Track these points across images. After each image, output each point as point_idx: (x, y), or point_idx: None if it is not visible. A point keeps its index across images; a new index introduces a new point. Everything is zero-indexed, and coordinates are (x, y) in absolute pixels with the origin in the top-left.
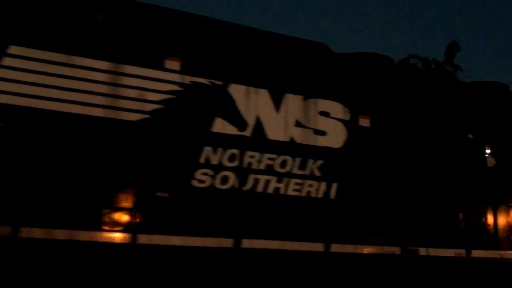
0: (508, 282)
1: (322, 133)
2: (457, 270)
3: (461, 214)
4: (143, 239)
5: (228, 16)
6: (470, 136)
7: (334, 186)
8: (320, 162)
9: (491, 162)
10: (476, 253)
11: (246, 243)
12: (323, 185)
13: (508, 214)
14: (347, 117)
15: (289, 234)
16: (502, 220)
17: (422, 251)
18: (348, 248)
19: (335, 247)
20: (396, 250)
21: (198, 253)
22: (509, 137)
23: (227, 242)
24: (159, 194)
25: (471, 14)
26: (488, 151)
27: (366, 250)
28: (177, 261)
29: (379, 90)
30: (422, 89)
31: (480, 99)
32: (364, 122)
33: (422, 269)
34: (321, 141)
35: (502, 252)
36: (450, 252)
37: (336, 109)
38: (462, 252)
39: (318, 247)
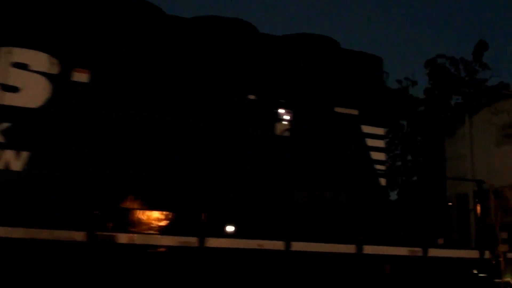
0: None
1: (13, 89)
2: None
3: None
4: None
5: (236, 12)
6: (252, 97)
7: (25, 154)
8: (5, 124)
9: (281, 130)
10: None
11: None
12: (7, 153)
13: None
14: (54, 70)
15: None
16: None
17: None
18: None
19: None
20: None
21: None
22: (331, 104)
23: None
24: None
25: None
26: (287, 117)
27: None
28: None
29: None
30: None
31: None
32: (81, 76)
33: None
34: (11, 99)
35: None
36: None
37: (39, 60)
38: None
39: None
